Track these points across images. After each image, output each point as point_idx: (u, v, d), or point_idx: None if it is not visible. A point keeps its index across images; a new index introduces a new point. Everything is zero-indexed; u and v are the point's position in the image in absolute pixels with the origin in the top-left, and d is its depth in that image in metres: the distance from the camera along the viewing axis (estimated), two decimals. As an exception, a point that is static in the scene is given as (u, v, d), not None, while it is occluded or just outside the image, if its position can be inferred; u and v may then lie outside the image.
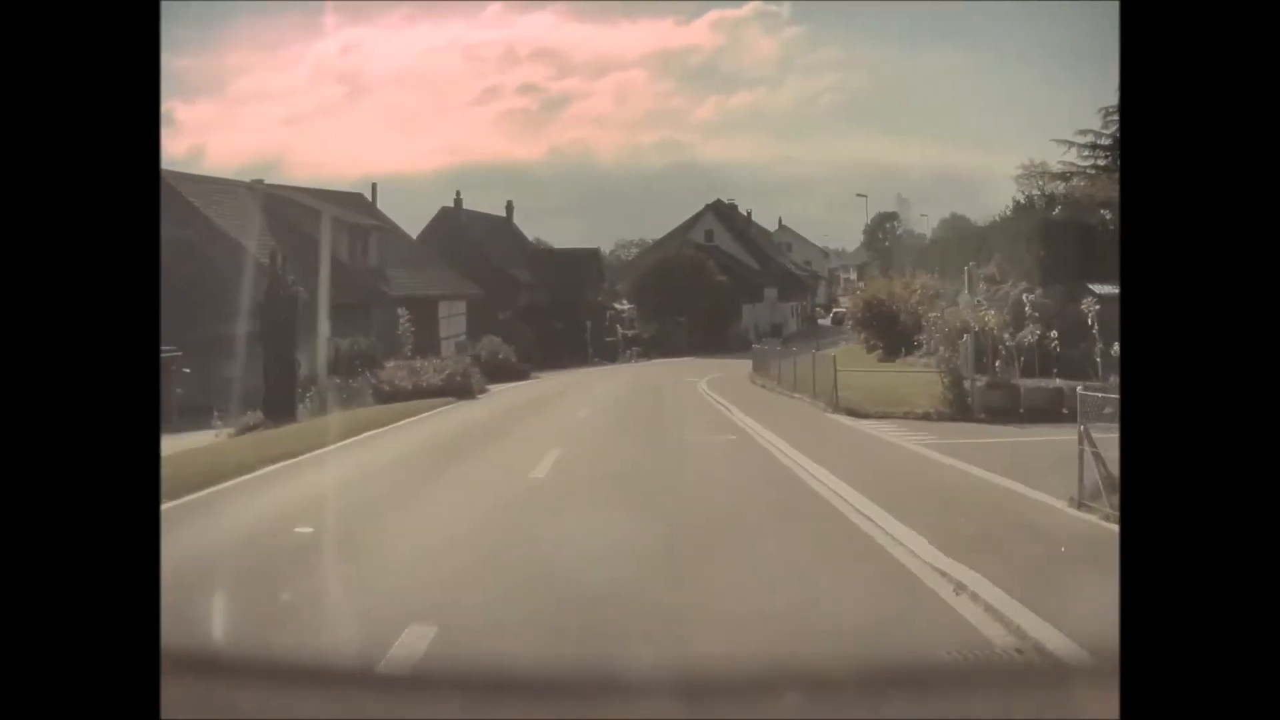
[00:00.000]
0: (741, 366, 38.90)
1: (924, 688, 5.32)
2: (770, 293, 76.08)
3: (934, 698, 5.28)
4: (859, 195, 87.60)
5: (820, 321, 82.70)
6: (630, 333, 68.06)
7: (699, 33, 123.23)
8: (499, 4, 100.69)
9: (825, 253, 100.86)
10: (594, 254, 69.77)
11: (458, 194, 57.43)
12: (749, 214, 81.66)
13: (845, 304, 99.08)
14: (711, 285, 65.24)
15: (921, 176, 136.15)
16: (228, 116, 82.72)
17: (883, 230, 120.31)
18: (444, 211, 56.44)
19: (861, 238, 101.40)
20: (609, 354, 61.22)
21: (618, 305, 72.93)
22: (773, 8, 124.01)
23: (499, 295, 51.14)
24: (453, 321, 47.00)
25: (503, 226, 62.36)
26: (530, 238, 68.06)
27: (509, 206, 64.12)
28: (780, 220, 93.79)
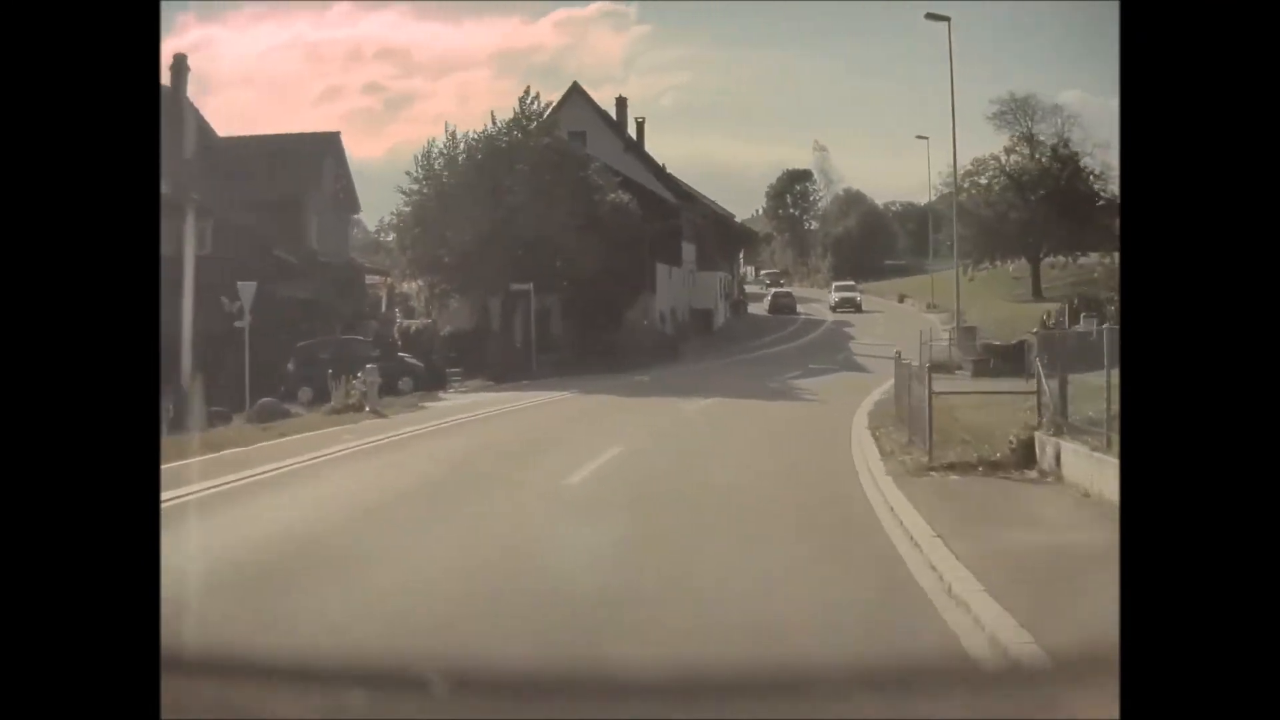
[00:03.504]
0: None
1: None
2: (688, 251, 57.92)
3: None
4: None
5: (752, 309, 74.59)
6: (408, 326, 42.40)
7: (544, 32, 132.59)
8: (346, 3, 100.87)
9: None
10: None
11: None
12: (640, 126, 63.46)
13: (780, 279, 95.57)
14: (598, 220, 41.26)
15: (760, 175, 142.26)
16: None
17: (791, 194, 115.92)
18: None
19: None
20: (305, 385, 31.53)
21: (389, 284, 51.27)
22: (620, 7, 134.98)
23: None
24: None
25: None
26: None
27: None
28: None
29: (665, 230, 50.60)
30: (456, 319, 42.95)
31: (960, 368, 33.63)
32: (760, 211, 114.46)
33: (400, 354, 35.76)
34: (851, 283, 77.47)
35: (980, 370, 31.22)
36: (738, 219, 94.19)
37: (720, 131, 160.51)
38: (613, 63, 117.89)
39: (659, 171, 58.04)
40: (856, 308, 69.53)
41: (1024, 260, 76.21)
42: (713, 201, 71.76)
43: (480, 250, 38.96)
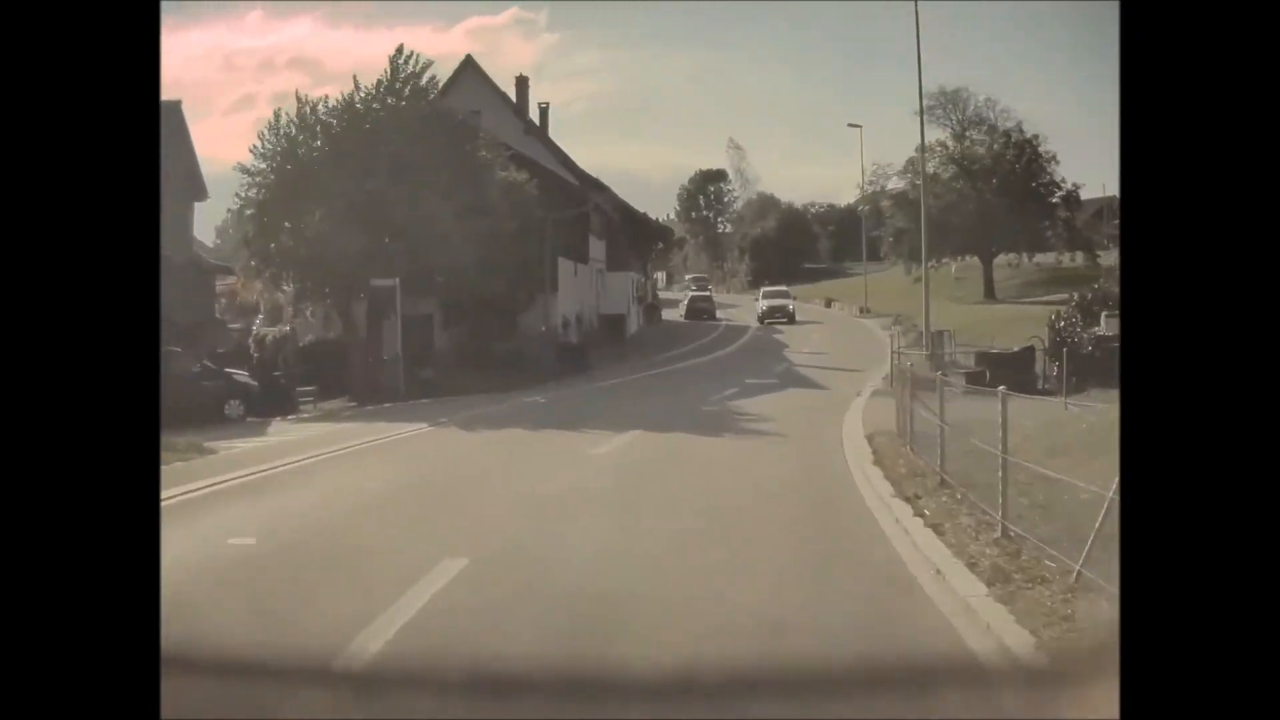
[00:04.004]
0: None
1: None
2: (597, 248, 59.97)
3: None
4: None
5: (667, 315, 76.89)
6: (264, 335, 42.24)
7: (457, 40, 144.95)
8: (259, 11, 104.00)
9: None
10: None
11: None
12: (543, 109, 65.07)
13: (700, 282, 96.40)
14: (486, 204, 39.49)
15: (675, 182, 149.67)
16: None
17: (705, 195, 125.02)
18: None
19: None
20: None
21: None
22: (529, 15, 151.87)
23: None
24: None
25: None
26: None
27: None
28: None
29: (570, 220, 49.81)
30: (320, 326, 42.35)
31: (946, 380, 30.88)
32: (673, 215, 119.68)
33: (230, 370, 33.80)
34: (784, 288, 78.61)
35: (976, 383, 26.75)
36: (734, 196, 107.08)
37: (633, 138, 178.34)
38: (524, 70, 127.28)
39: (565, 161, 57.66)
40: (789, 318, 70.17)
41: (969, 259, 78.59)
42: (625, 200, 73.35)
43: (336, 241, 36.41)
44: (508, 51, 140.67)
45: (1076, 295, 35.76)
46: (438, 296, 41.32)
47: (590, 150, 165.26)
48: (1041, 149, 78.17)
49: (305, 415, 32.75)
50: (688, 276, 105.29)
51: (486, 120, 46.59)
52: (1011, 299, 69.22)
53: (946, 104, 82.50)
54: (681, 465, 19.03)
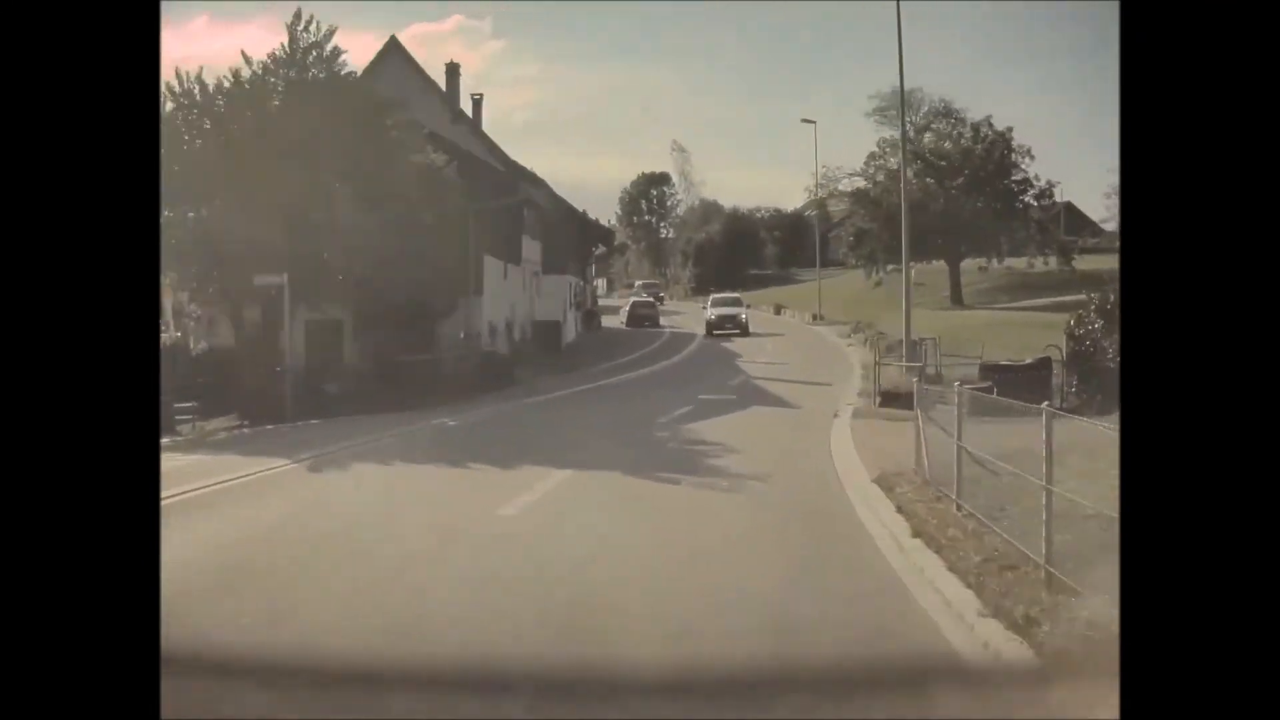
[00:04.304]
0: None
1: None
2: (532, 248, 58.73)
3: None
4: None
5: (607, 323, 77.12)
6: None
7: (433, 71, 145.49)
8: (200, 21, 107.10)
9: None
10: None
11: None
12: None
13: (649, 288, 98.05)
14: (396, 191, 36.68)
15: (609, 190, 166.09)
16: None
17: (648, 199, 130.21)
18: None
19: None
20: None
21: None
22: (473, 22, 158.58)
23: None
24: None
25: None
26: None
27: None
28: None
29: (501, 216, 48.67)
30: (213, 331, 39.63)
31: (940, 398, 27.34)
32: (614, 220, 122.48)
33: None
34: (735, 295, 78.79)
35: (982, 401, 23.42)
36: (676, 200, 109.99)
37: (578, 146, 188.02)
38: (468, 78, 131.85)
39: (498, 154, 57.39)
40: (743, 329, 67.13)
41: (935, 263, 77.84)
42: (564, 199, 73.31)
43: (223, 234, 34.28)
44: (451, 59, 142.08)
45: (1096, 297, 29.94)
46: (349, 298, 37.79)
47: (534, 158, 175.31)
48: (1015, 143, 78.28)
49: (178, 438, 27.43)
50: (638, 283, 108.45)
51: (411, 108, 43.02)
52: (982, 304, 70.00)
53: (899, 104, 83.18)
54: (631, 543, 13.47)
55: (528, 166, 62.30)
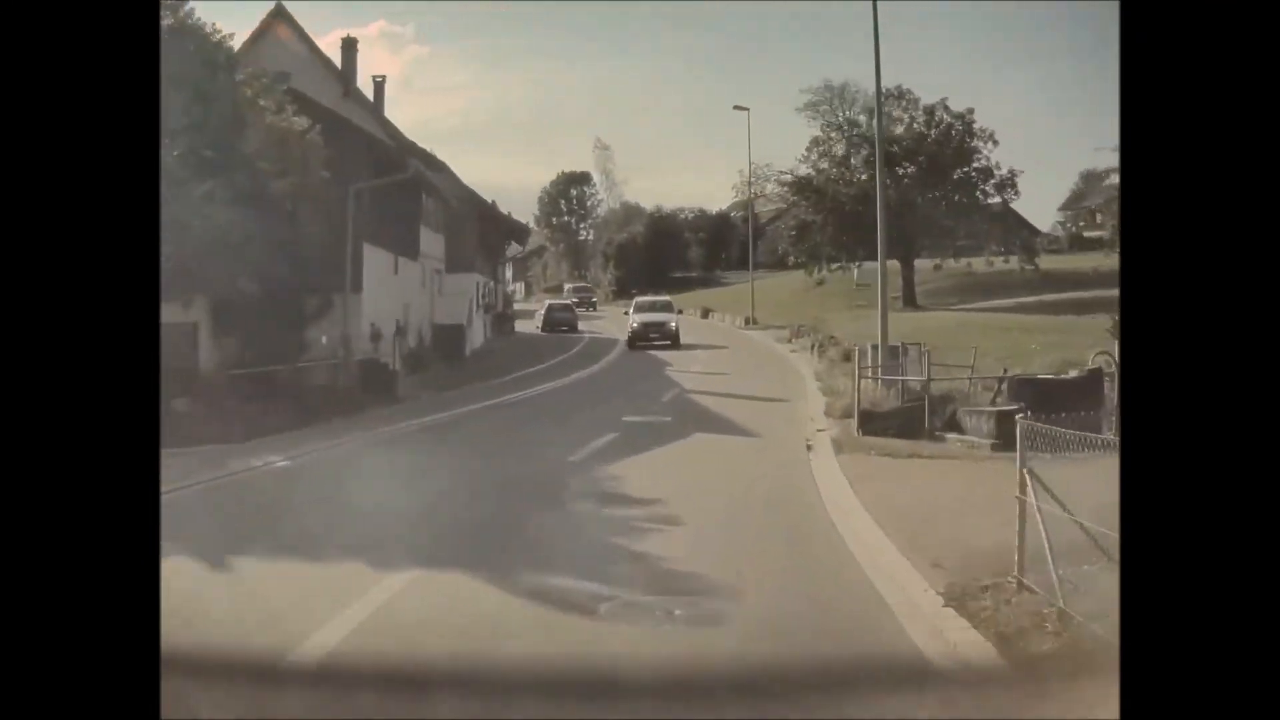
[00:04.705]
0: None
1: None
2: (432, 242, 59.40)
3: None
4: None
5: (521, 328, 77.82)
6: None
7: (326, 52, 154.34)
8: None
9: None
10: None
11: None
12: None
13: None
14: (239, 157, 33.48)
15: (531, 194, 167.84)
16: None
17: (568, 199, 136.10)
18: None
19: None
20: None
21: None
22: (396, 28, 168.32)
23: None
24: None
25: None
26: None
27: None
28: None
29: (392, 201, 47.17)
30: None
31: (954, 425, 27.69)
32: (532, 222, 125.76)
33: None
34: (665, 297, 75.86)
35: (1007, 426, 18.92)
36: (597, 199, 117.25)
37: (503, 152, 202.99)
38: (391, 84, 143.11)
39: (397, 137, 56.20)
40: (673, 340, 62.81)
41: (872, 262, 78.18)
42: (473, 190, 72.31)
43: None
44: (375, 65, 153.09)
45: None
46: (209, 295, 34.58)
47: (458, 164, 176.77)
48: (976, 126, 79.39)
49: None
50: (568, 286, 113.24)
51: (296, 83, 42.34)
52: (936, 305, 71.04)
53: (833, 99, 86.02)
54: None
55: (455, 170, 61.94)
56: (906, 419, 28.77)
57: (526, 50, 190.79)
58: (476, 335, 67.35)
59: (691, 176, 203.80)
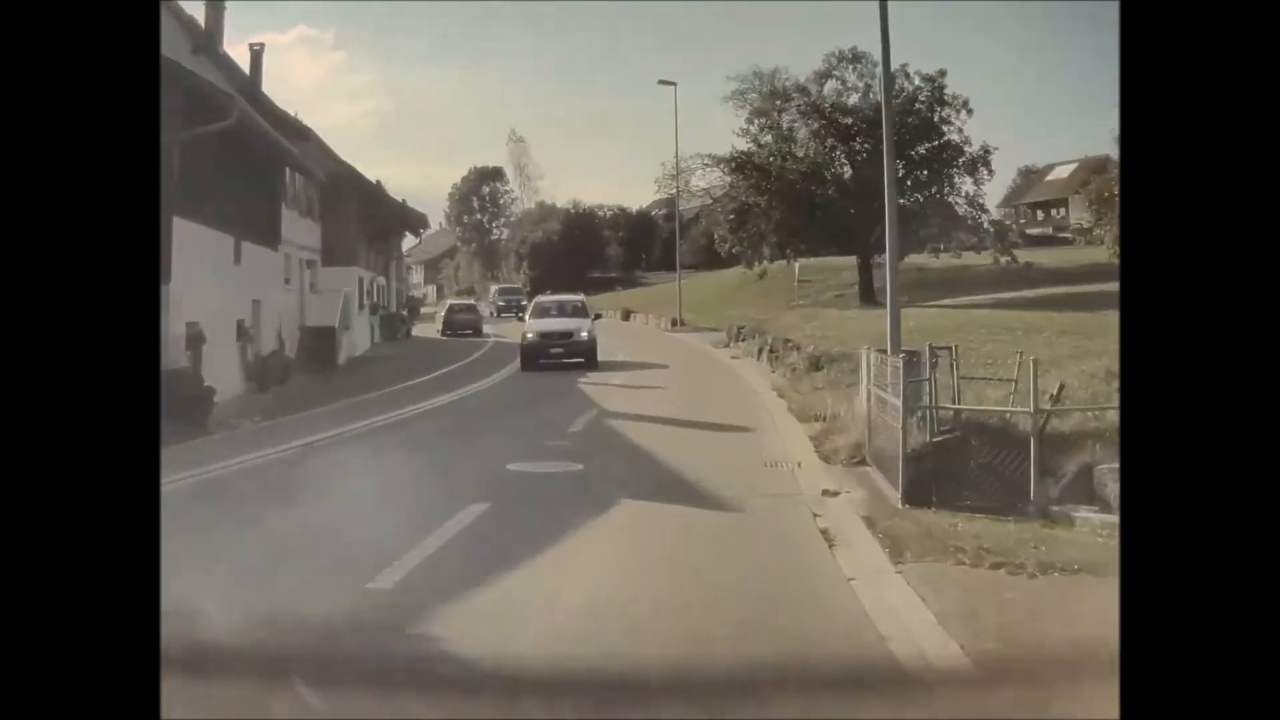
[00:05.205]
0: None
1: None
2: (300, 228, 58.52)
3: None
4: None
5: (420, 332, 77.87)
6: None
7: (243, 58, 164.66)
8: None
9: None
10: None
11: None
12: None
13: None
14: None
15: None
16: None
17: (479, 196, 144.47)
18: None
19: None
20: None
21: None
22: (315, 33, 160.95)
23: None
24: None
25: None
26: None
27: None
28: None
29: (236, 170, 44.59)
30: None
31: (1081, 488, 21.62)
32: (442, 224, 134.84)
33: None
34: (577, 298, 64.25)
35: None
36: (509, 196, 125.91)
37: (424, 157, 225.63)
38: (311, 88, 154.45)
39: (262, 105, 53.60)
40: (587, 356, 54.53)
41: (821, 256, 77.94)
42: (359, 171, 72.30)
43: None
44: (294, 71, 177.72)
45: None
46: None
47: (378, 169, 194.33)
48: (948, 93, 79.46)
49: None
50: (495, 288, 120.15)
51: None
52: (904, 303, 63.98)
53: (761, 87, 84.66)
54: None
55: (376, 174, 60.06)
56: (985, 477, 21.77)
57: (444, 50, 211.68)
58: (360, 339, 66.57)
59: (614, 172, 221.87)
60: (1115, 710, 6.02)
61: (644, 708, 11.19)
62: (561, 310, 58.71)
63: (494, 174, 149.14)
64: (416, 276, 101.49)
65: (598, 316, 61.39)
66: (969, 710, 8.89)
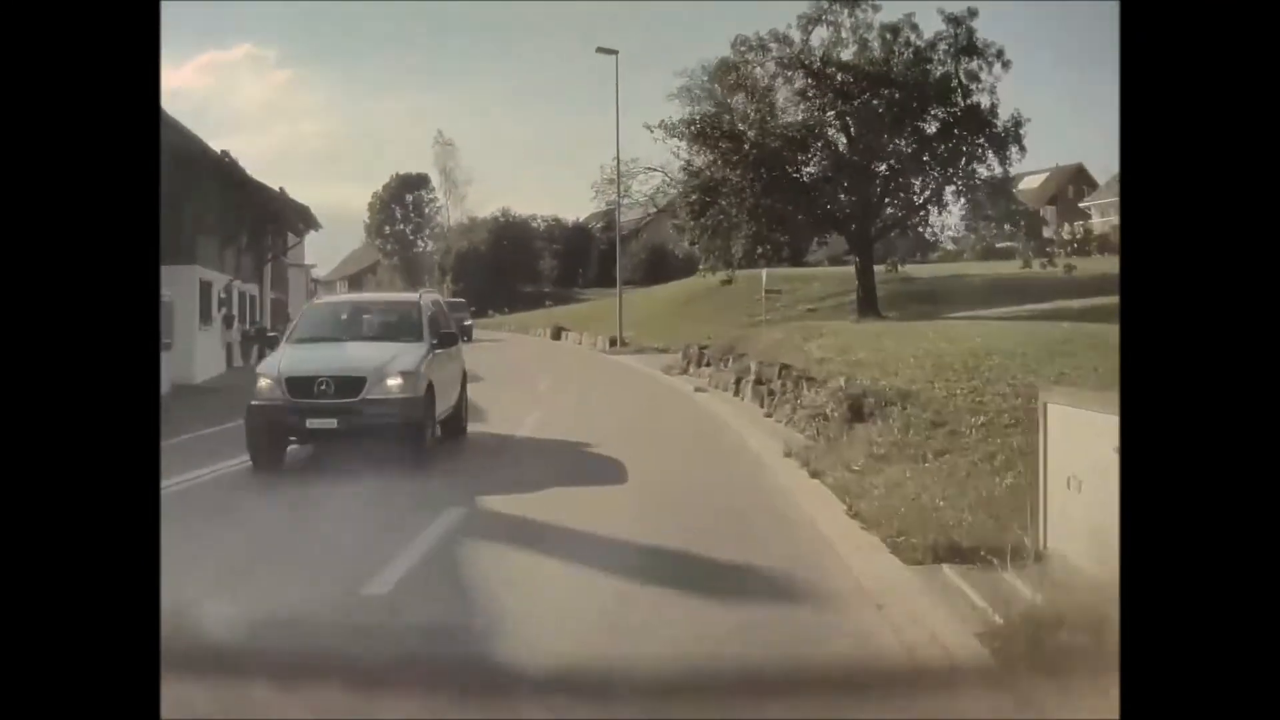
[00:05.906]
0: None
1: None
2: None
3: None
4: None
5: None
6: None
7: (188, 75, 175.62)
8: None
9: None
10: None
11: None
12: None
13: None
14: None
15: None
16: None
17: (402, 205, 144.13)
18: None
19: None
20: None
21: None
22: (260, 51, 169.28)
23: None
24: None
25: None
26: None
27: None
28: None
29: None
30: None
31: None
32: (362, 232, 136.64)
33: None
34: (406, 298, 23.19)
35: None
36: (435, 206, 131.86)
37: (364, 178, 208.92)
38: (256, 107, 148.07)
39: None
40: (402, 428, 24.56)
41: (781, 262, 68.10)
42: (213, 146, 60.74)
43: None
44: (238, 88, 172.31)
45: None
46: None
47: (319, 190, 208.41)
48: (978, 37, 67.39)
49: None
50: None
51: None
52: (898, 316, 61.53)
53: (711, 83, 75.24)
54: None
55: (316, 195, 58.72)
56: None
57: (388, 72, 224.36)
58: (207, 362, 57.30)
59: (551, 184, 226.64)
60: (1115, 710, 6.03)
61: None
62: (358, 327, 29.71)
63: (418, 181, 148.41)
64: (285, 276, 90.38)
65: (467, 326, 49.91)
66: (969, 710, 8.87)
